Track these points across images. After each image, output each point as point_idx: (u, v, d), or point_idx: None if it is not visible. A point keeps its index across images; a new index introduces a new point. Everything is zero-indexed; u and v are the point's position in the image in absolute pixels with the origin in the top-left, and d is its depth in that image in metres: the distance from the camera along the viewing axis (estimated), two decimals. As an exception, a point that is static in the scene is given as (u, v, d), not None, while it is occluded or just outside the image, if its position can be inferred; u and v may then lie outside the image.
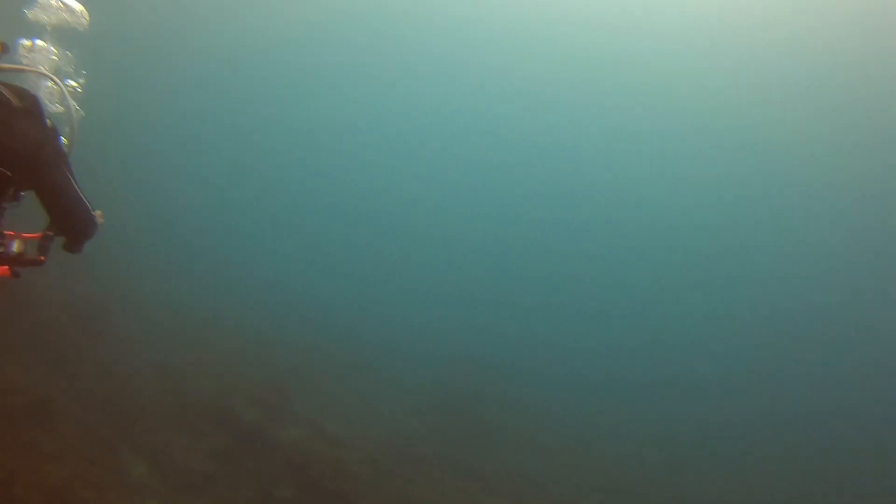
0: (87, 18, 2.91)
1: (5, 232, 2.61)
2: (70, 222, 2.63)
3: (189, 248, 38.95)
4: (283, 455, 10.88)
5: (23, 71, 2.50)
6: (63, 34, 2.81)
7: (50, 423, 9.46)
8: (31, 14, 2.75)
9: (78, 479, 7.77)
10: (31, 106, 2.38)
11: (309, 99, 59.41)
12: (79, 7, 2.88)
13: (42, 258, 2.72)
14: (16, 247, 2.64)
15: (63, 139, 2.69)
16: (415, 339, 39.43)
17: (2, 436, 8.50)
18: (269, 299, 30.74)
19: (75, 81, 2.83)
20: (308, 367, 23.72)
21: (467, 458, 18.33)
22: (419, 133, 60.22)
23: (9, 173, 2.21)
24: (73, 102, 2.67)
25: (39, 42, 2.66)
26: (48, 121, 2.55)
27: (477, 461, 17.76)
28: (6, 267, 2.59)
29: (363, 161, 60.14)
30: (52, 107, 2.66)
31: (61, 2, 2.80)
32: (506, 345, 35.51)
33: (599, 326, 42.05)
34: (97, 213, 2.81)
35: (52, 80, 2.60)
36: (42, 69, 2.56)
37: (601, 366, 34.55)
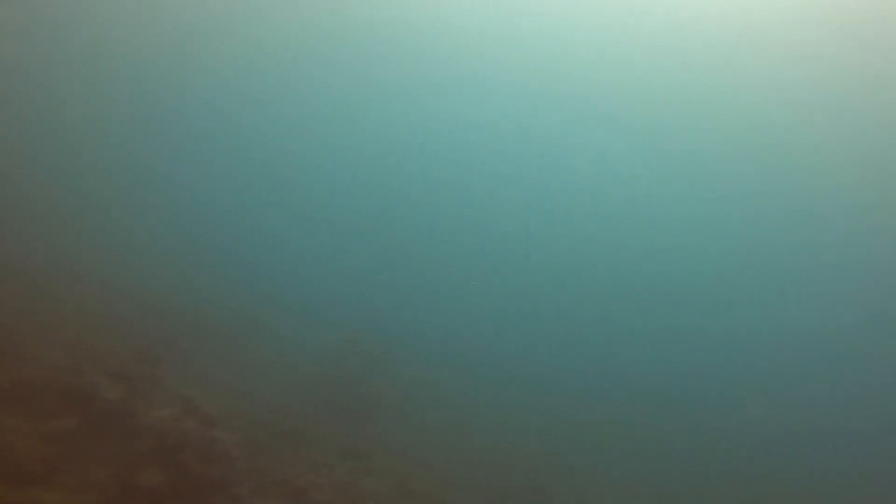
0: None
1: None
2: None
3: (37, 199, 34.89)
4: (150, 437, 9.73)
5: None
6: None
7: None
8: None
9: None
10: None
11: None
12: None
13: None
14: None
15: None
16: (301, 310, 38.43)
17: None
18: (139, 257, 28.05)
19: None
20: (183, 338, 21.95)
21: (352, 437, 17.98)
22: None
23: None
24: None
25: None
26: None
27: (362, 441, 17.45)
28: None
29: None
30: None
31: None
32: (395, 322, 35.50)
33: (486, 308, 43.10)
34: None
35: None
36: None
37: (489, 345, 35.52)
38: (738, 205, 50.60)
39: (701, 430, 27.45)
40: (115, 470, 9.92)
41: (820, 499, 22.59)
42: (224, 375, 19.81)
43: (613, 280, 48.19)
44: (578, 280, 48.25)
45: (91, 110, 50.24)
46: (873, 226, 44.76)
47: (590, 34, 53.68)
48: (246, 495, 10.62)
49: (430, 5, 53.90)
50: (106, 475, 9.91)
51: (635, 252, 50.59)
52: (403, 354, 28.18)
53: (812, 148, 48.77)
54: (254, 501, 10.57)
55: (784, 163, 50.37)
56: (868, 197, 45.99)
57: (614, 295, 46.10)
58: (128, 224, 34.65)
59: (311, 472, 11.38)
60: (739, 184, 52.12)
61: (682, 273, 48.25)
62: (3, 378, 10.67)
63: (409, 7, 53.52)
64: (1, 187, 30.22)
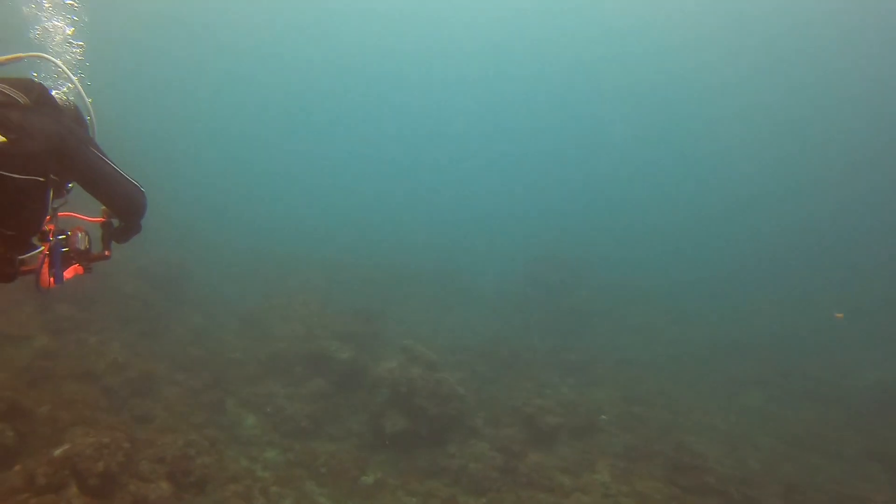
0: None
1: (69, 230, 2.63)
2: (118, 203, 2.60)
3: (250, 201, 40.84)
4: (384, 387, 10.79)
5: (20, 59, 2.38)
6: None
7: (157, 394, 9.65)
8: None
9: (194, 446, 7.86)
10: (40, 97, 2.27)
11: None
12: None
13: (108, 252, 2.82)
14: (81, 242, 2.68)
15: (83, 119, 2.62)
16: (489, 242, 39.85)
17: (117, 414, 8.75)
18: (338, 237, 31.25)
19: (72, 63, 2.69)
20: (389, 293, 24.05)
21: (566, 351, 18.15)
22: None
23: (41, 179, 2.12)
24: (77, 81, 2.55)
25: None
26: (62, 105, 2.48)
27: (576, 353, 17.51)
28: (77, 265, 2.69)
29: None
30: (60, 89, 2.56)
31: None
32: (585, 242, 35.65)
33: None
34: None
35: (54, 62, 2.49)
36: (43, 54, 2.46)
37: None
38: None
39: None
40: (366, 418, 11.29)
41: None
42: (434, 318, 21.30)
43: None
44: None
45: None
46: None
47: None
48: (481, 426, 11.32)
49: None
50: (359, 424, 11.34)
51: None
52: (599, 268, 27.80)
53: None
54: (489, 431, 11.22)
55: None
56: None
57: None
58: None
59: (537, 397, 11.67)
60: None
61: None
62: (261, 353, 12.62)
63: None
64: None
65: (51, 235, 2.54)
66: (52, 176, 2.25)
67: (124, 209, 2.69)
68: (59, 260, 2.60)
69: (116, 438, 6.70)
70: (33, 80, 2.38)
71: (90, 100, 2.73)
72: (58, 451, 6.33)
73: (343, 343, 12.60)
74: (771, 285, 33.89)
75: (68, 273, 2.74)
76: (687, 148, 59.70)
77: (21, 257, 2.37)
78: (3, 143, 1.93)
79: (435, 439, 10.72)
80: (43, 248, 2.51)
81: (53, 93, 2.53)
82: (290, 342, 12.71)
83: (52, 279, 2.58)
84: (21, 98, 2.17)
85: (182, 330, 13.35)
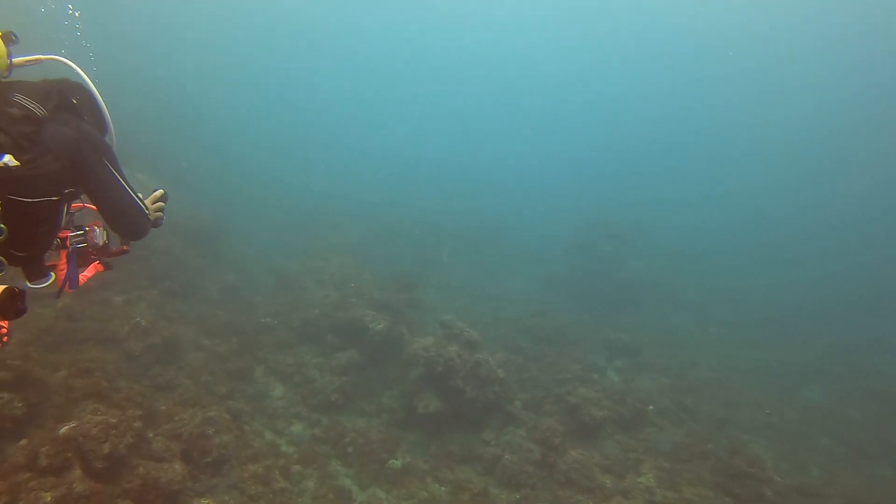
0: None
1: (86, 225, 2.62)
2: (118, 223, 2.49)
3: (293, 157, 40.54)
4: (419, 365, 10.15)
5: (39, 62, 2.37)
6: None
7: (181, 360, 9.27)
8: None
9: (213, 423, 7.41)
10: (59, 103, 2.22)
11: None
12: None
13: (126, 247, 2.75)
14: (99, 237, 2.66)
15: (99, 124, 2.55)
16: (537, 206, 38.51)
17: (138, 381, 8.39)
18: (377, 198, 30.52)
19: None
20: (430, 255, 23.37)
21: (614, 328, 17.16)
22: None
23: (55, 198, 2.07)
24: (93, 87, 2.49)
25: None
26: (81, 108, 2.42)
27: (624, 332, 16.51)
28: (97, 262, 2.68)
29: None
30: (74, 95, 2.43)
31: None
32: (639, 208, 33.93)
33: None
34: (158, 192, 2.81)
35: (70, 66, 2.45)
36: (59, 57, 2.41)
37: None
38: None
39: None
40: (398, 394, 10.74)
41: None
42: (475, 289, 20.53)
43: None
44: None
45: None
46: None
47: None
48: (520, 411, 10.61)
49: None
50: (391, 399, 10.81)
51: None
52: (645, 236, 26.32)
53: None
54: (529, 417, 10.50)
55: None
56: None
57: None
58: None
59: (582, 385, 10.82)
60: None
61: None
62: (293, 318, 12.16)
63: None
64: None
65: (67, 242, 2.53)
66: (67, 190, 2.19)
67: (122, 230, 2.57)
68: (76, 264, 2.56)
69: (127, 418, 6.26)
70: (52, 84, 2.29)
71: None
72: (63, 429, 5.93)
73: (378, 312, 11.98)
74: (839, 256, 31.69)
75: (89, 271, 2.72)
76: (754, 114, 55.76)
77: (32, 286, 2.29)
78: (16, 167, 1.84)
79: (470, 423, 10.12)
80: (60, 258, 2.52)
81: (73, 98, 2.42)
82: (324, 309, 12.17)
83: (68, 283, 2.53)
84: (38, 109, 2.07)
85: (213, 289, 13.00)
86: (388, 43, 65.47)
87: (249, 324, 11.51)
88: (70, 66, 2.47)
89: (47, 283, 2.36)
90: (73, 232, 2.57)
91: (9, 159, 1.86)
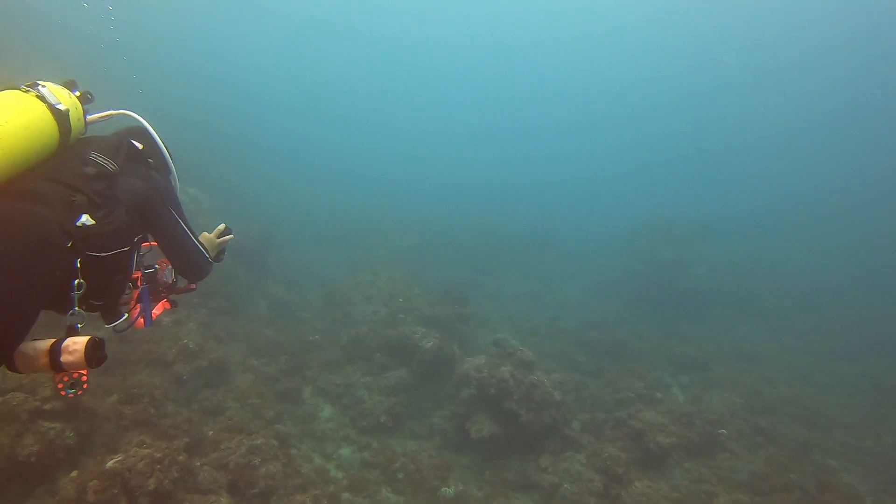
0: None
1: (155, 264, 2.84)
2: (180, 267, 2.71)
3: (342, 163, 41.08)
4: (471, 387, 9.80)
5: (111, 117, 2.56)
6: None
7: (229, 382, 9.27)
8: None
9: (259, 452, 7.30)
10: (129, 155, 2.41)
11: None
12: None
13: (193, 285, 2.98)
14: (168, 275, 2.89)
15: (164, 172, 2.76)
16: (593, 210, 37.47)
17: (187, 405, 8.41)
18: (428, 206, 30.39)
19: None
20: (483, 263, 23.00)
21: (679, 340, 16.31)
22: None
23: (126, 249, 2.25)
24: (156, 135, 2.70)
25: None
26: (149, 157, 2.64)
27: (690, 344, 15.65)
28: (165, 301, 2.91)
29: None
30: (139, 144, 2.60)
31: None
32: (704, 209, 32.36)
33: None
34: (220, 227, 3.19)
35: (139, 120, 2.66)
36: (128, 112, 2.61)
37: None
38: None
39: None
40: (450, 415, 10.42)
41: None
42: (529, 304, 20.00)
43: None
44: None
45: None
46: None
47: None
48: (579, 434, 10.10)
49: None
50: (443, 420, 10.51)
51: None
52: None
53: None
54: (588, 440, 9.97)
55: None
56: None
57: None
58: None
59: (646, 409, 10.17)
60: None
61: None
62: (342, 336, 12.05)
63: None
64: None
65: (139, 282, 2.68)
66: (137, 238, 2.37)
67: (184, 273, 2.78)
68: (149, 303, 2.72)
69: (172, 451, 6.19)
70: (122, 137, 2.48)
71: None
72: (110, 463, 5.91)
73: (428, 329, 11.71)
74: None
75: (158, 309, 2.89)
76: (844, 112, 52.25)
77: (109, 327, 2.46)
78: (91, 225, 2.00)
79: (526, 446, 9.69)
80: (132, 297, 2.67)
81: (139, 144, 2.60)
82: (372, 326, 12.01)
83: (142, 320, 2.72)
84: (110, 164, 2.22)
85: (262, 305, 13.09)
86: (441, 51, 65.51)
87: (298, 342, 11.46)
88: (138, 120, 2.69)
89: (122, 321, 2.50)
90: (143, 272, 2.75)
91: (86, 219, 2.00)
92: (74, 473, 6.09)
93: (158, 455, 5.96)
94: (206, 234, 3.12)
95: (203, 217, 14.93)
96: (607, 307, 19.89)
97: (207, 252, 2.78)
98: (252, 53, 58.03)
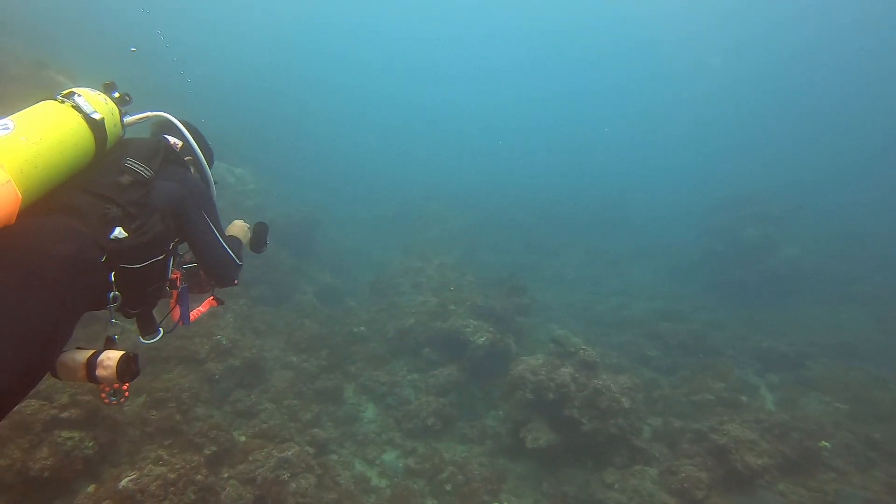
0: None
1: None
2: (209, 270, 2.71)
3: (389, 150, 40.33)
4: (527, 391, 8.98)
5: (148, 118, 2.59)
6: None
7: (266, 380, 8.86)
8: None
9: (290, 465, 6.80)
10: (166, 159, 2.43)
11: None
12: None
13: (235, 280, 2.87)
14: None
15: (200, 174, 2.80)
16: (666, 183, 35.19)
17: (219, 407, 8.06)
18: (484, 183, 29.22)
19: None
20: (543, 244, 21.89)
21: (767, 332, 14.78)
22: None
23: (161, 257, 2.27)
24: (190, 137, 2.72)
25: None
26: (187, 159, 2.71)
27: (780, 337, 14.13)
28: (211, 298, 3.01)
29: None
30: (176, 142, 2.69)
31: None
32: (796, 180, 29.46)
33: None
34: (259, 224, 3.18)
35: (174, 122, 2.67)
36: (164, 114, 2.65)
37: None
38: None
39: None
40: (504, 416, 9.68)
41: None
42: (588, 296, 18.81)
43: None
44: None
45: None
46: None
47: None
48: (650, 445, 9.11)
49: None
50: (496, 422, 9.78)
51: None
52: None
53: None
54: (661, 453, 8.98)
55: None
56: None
57: None
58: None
59: (730, 420, 9.01)
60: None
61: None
62: (388, 328, 11.47)
63: None
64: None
65: (178, 283, 2.70)
66: (172, 245, 2.42)
67: (212, 277, 2.80)
68: (188, 302, 2.77)
69: (189, 469, 5.76)
70: (160, 141, 2.49)
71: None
72: (124, 481, 5.55)
73: (481, 321, 10.94)
74: None
75: (204, 307, 2.96)
76: None
77: (145, 342, 2.55)
78: (125, 238, 2.03)
79: (589, 456, 8.83)
80: (172, 297, 2.74)
81: (177, 142, 2.67)
82: (420, 318, 11.35)
83: (181, 320, 2.77)
84: (146, 171, 2.24)
85: (308, 292, 12.71)
86: (498, 18, 63.03)
87: (341, 334, 10.97)
88: (172, 122, 2.68)
89: (157, 339, 2.55)
90: (183, 272, 2.78)
91: (119, 232, 2.03)
92: (91, 488, 5.78)
93: (173, 476, 5.53)
94: (238, 222, 3.19)
95: (249, 199, 14.70)
96: (682, 293, 18.40)
97: (236, 256, 2.76)
98: (300, 33, 57.95)
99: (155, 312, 2.55)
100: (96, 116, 2.15)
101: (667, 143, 55.15)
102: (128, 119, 2.43)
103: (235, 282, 2.86)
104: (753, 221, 20.54)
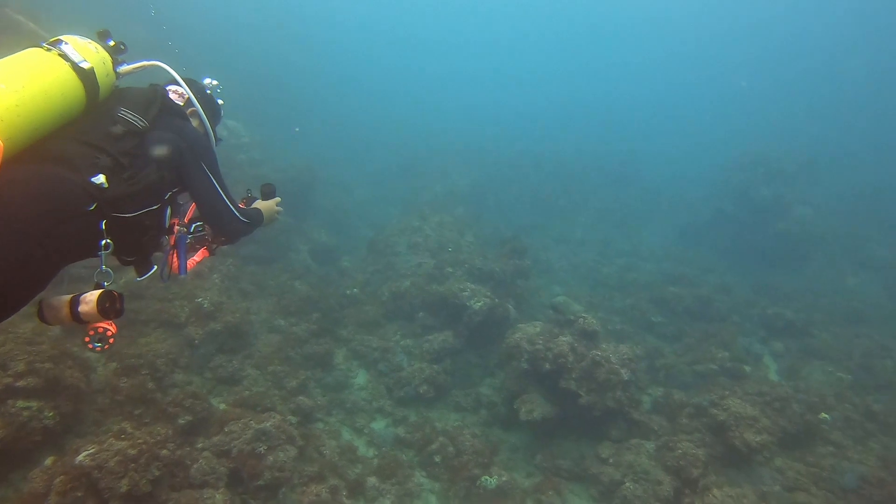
0: None
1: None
2: (211, 224, 2.69)
3: (398, 100, 38.69)
4: (523, 360, 8.47)
5: (144, 68, 2.50)
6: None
7: (250, 347, 8.40)
8: None
9: (268, 437, 6.38)
10: (161, 109, 2.36)
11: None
12: None
13: (242, 235, 2.86)
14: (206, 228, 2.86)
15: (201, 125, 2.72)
16: (679, 139, 33.81)
17: (199, 373, 7.63)
18: (494, 138, 28.03)
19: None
20: (551, 203, 21.05)
21: (774, 297, 14.13)
22: None
23: (156, 207, 2.27)
24: (187, 87, 2.65)
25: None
26: (185, 109, 2.63)
27: (787, 302, 13.51)
28: (204, 249, 2.89)
29: None
30: (175, 96, 2.63)
31: None
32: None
33: None
34: (274, 200, 3.11)
35: (169, 72, 2.61)
36: (159, 63, 2.56)
37: None
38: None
39: None
40: (500, 384, 9.24)
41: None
42: (599, 245, 18.12)
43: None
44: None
45: None
46: None
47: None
48: (648, 417, 8.65)
49: None
50: (491, 390, 9.34)
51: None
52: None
53: None
54: (660, 425, 8.54)
55: None
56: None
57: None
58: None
59: (732, 394, 8.48)
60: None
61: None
62: (383, 290, 10.95)
63: None
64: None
65: (175, 230, 2.60)
66: (168, 195, 2.37)
67: (215, 231, 2.77)
68: (185, 250, 2.68)
69: (153, 444, 5.34)
70: (156, 90, 2.45)
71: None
72: (81, 456, 5.14)
73: (479, 285, 10.37)
74: None
75: (198, 256, 2.87)
76: None
77: (140, 280, 2.53)
78: (109, 187, 1.98)
79: (585, 427, 8.41)
80: (170, 241, 2.63)
81: (174, 95, 2.62)
82: (416, 280, 10.80)
83: (177, 269, 2.69)
84: (140, 122, 2.20)
85: (303, 251, 12.16)
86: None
87: (333, 296, 10.46)
88: (169, 71, 2.61)
89: (151, 273, 2.50)
90: (179, 221, 2.64)
91: (100, 179, 1.98)
92: (49, 461, 5.40)
93: (133, 452, 5.11)
94: (261, 201, 3.08)
95: (242, 152, 14.02)
96: (691, 256, 17.71)
97: (239, 212, 2.66)
98: None
99: (155, 266, 2.53)
100: (85, 65, 2.08)
101: (681, 98, 53.06)
102: (122, 68, 2.34)
103: (243, 236, 2.82)
104: (766, 180, 19.49)
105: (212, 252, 2.97)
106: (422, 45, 59.53)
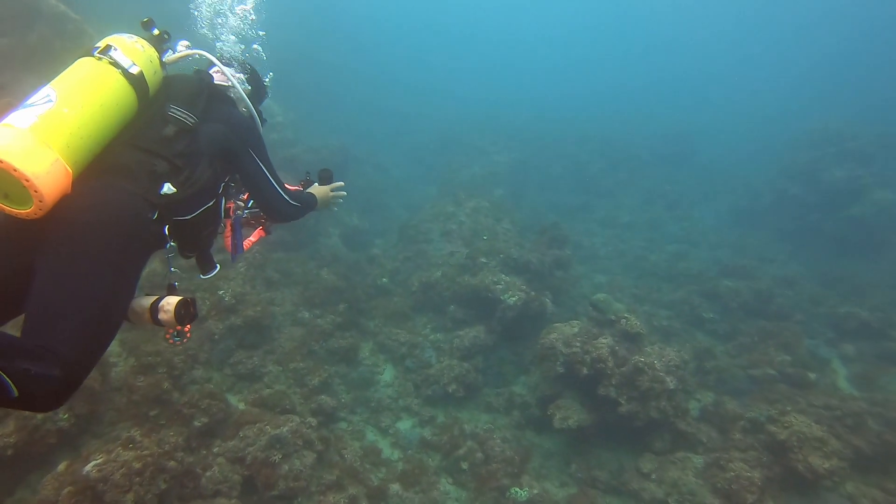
0: None
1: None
2: (261, 206, 2.81)
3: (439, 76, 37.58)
4: (558, 363, 8.03)
5: (189, 56, 2.54)
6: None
7: (272, 342, 8.25)
8: None
9: (284, 444, 6.21)
10: (210, 100, 2.41)
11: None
12: None
13: (292, 218, 2.97)
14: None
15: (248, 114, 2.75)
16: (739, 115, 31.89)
17: (219, 369, 7.53)
18: (538, 115, 27.02)
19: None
20: (596, 183, 20.18)
21: (844, 293, 13.11)
22: None
23: (211, 203, 2.33)
24: (234, 78, 2.67)
25: None
26: (234, 97, 2.67)
27: (860, 299, 12.50)
28: (261, 229, 3.12)
29: None
30: (225, 84, 2.67)
31: None
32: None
33: None
34: (336, 184, 3.37)
35: (214, 61, 2.62)
36: (204, 52, 2.58)
37: None
38: None
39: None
40: (534, 384, 8.85)
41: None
42: (647, 229, 17.26)
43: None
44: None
45: None
46: None
47: None
48: (696, 427, 8.12)
49: None
50: (525, 390, 8.97)
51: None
52: None
53: None
54: (709, 437, 8.01)
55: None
56: None
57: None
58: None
59: (794, 409, 7.82)
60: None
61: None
62: (413, 280, 10.63)
63: None
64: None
65: (231, 212, 2.76)
66: (223, 187, 2.44)
67: (267, 213, 2.87)
68: (240, 232, 2.85)
69: (161, 456, 5.22)
70: (202, 78, 2.49)
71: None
72: (89, 466, 5.06)
73: (514, 277, 9.92)
74: None
75: (254, 236, 3.10)
76: None
77: (205, 278, 2.61)
78: (173, 194, 2.05)
79: (626, 436, 7.96)
80: (226, 227, 2.80)
81: (219, 78, 2.66)
82: (447, 271, 10.43)
83: (235, 250, 2.85)
84: (190, 118, 2.23)
85: (334, 235, 11.96)
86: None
87: (362, 286, 10.23)
88: (213, 61, 2.61)
89: (216, 272, 2.59)
90: (236, 202, 2.82)
91: (167, 187, 2.05)
92: (62, 466, 5.36)
93: (138, 466, 4.96)
94: (318, 186, 3.27)
95: (275, 132, 13.81)
96: (749, 243, 16.63)
97: (289, 196, 2.78)
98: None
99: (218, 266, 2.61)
100: (135, 70, 2.11)
101: (742, 67, 50.15)
102: (167, 57, 2.38)
103: (293, 220, 2.95)
104: (839, 160, 18.05)
105: (268, 231, 3.14)
106: (470, 33, 57.65)
